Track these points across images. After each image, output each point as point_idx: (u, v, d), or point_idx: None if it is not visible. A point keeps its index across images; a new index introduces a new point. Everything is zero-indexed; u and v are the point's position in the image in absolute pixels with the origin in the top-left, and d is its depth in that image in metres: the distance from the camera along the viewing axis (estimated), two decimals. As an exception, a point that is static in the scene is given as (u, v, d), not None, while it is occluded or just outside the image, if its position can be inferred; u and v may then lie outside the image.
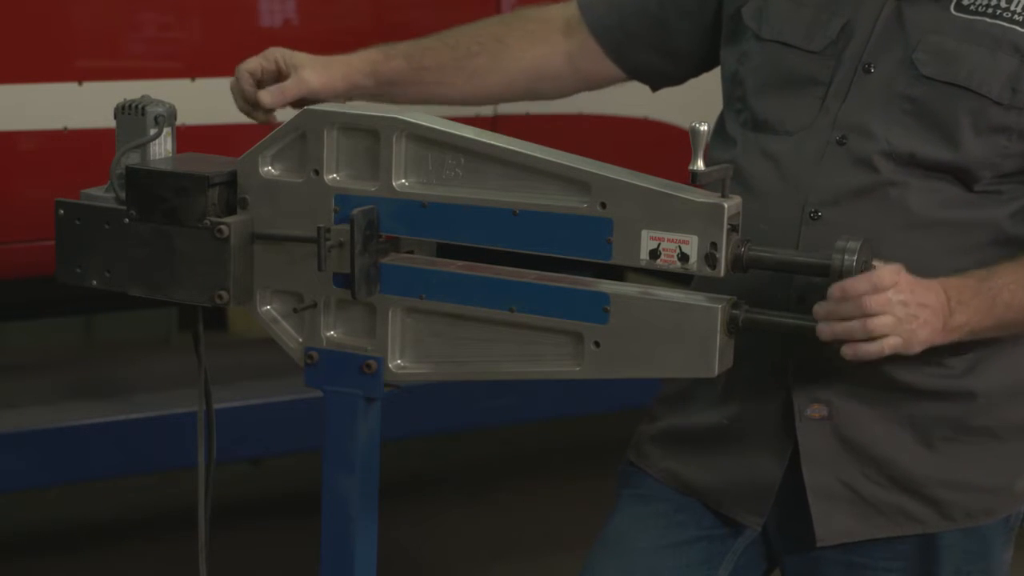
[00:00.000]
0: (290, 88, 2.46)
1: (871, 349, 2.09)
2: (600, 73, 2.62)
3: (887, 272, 2.09)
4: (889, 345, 2.10)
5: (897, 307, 2.09)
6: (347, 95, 2.53)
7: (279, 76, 2.49)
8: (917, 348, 2.13)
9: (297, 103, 2.47)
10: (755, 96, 2.37)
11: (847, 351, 2.09)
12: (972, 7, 2.26)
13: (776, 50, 2.35)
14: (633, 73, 2.61)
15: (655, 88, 2.66)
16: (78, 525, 4.89)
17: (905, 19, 2.28)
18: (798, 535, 2.39)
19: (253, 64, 2.49)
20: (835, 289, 2.08)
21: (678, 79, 2.63)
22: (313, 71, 2.47)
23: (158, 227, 2.24)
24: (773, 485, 2.38)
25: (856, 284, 2.07)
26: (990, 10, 2.25)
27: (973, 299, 2.17)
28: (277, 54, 2.49)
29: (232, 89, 2.51)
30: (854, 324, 2.08)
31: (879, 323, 2.08)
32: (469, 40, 2.58)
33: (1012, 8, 2.25)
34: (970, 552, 2.38)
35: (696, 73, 2.61)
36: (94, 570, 4.54)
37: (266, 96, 2.46)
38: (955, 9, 2.26)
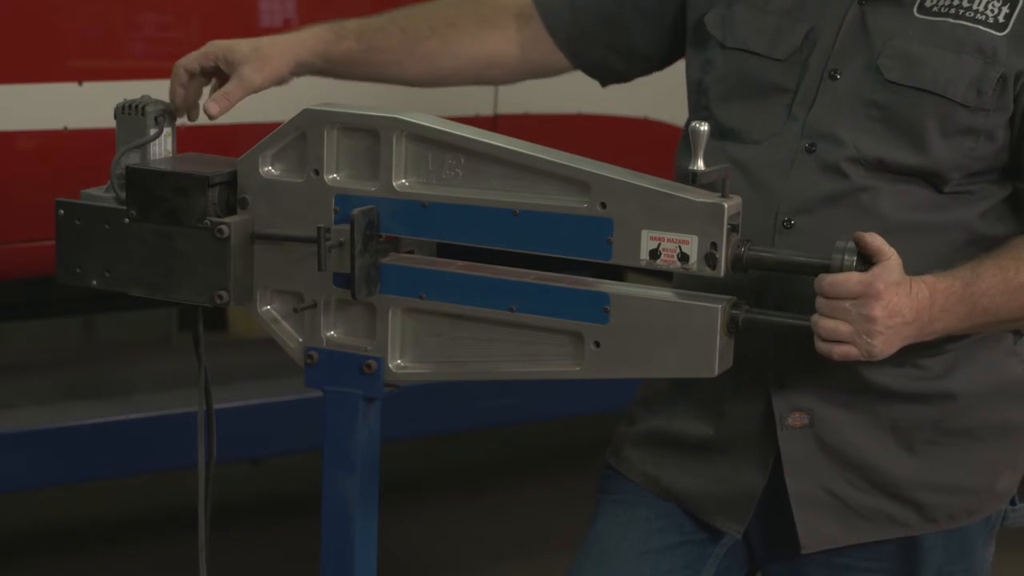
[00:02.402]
0: (233, 92, 2.38)
1: (820, 347, 2.09)
2: (550, 64, 2.60)
3: (855, 282, 2.06)
4: (839, 351, 2.08)
5: (857, 319, 2.06)
6: (295, 76, 2.49)
7: (219, 73, 2.42)
8: (882, 356, 2.11)
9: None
10: (720, 105, 2.36)
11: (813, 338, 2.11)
12: (935, 8, 2.24)
13: (740, 58, 2.34)
14: (584, 68, 2.60)
15: (604, 84, 2.64)
16: (78, 525, 4.89)
17: (869, 24, 2.26)
18: (780, 540, 2.38)
19: (191, 61, 2.40)
20: (821, 282, 2.08)
21: (629, 77, 2.62)
22: (254, 68, 2.39)
23: (158, 227, 2.24)
24: (755, 493, 2.37)
25: (832, 282, 2.06)
26: (952, 10, 2.24)
27: (956, 305, 2.16)
28: (216, 50, 2.40)
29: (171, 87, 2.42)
30: (814, 318, 2.09)
31: (831, 327, 2.07)
32: (420, 23, 2.54)
33: (975, 7, 2.23)
34: (952, 552, 2.38)
35: (648, 72, 2.60)
36: (94, 570, 4.54)
37: (213, 106, 2.37)
38: (918, 11, 2.25)
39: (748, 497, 2.37)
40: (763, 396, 2.32)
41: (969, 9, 2.23)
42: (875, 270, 2.07)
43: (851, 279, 2.06)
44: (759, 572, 2.52)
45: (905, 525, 2.35)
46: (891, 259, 2.08)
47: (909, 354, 2.20)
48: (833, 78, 2.27)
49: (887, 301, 2.07)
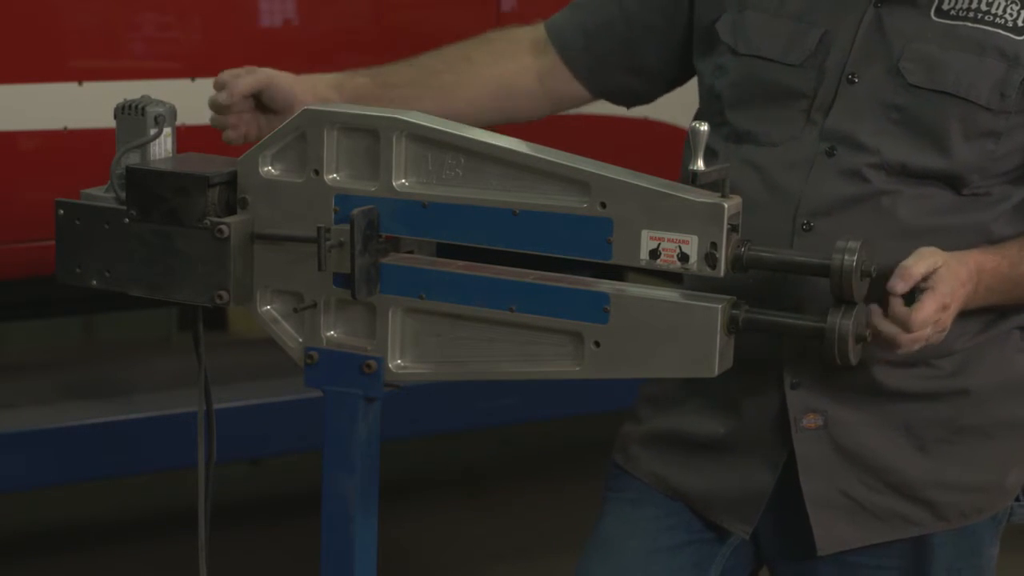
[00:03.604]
0: (246, 79, 2.38)
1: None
2: (571, 94, 2.58)
3: (934, 310, 2.11)
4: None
5: (932, 335, 2.15)
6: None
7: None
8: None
9: (260, 107, 2.42)
10: (734, 110, 2.36)
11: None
12: (953, 12, 2.25)
13: (754, 64, 2.33)
14: (604, 95, 2.59)
15: (629, 106, 2.63)
16: (78, 525, 4.89)
17: (886, 27, 2.26)
18: (791, 539, 2.39)
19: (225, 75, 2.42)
20: (907, 320, 2.11)
21: (651, 97, 2.60)
22: (274, 70, 2.41)
23: (158, 227, 2.24)
24: (764, 494, 2.38)
25: (916, 320, 2.10)
26: (971, 14, 2.24)
27: (1000, 284, 2.21)
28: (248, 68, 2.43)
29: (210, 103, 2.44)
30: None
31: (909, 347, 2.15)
32: (435, 60, 2.54)
33: (993, 11, 2.24)
34: (962, 549, 2.39)
35: (668, 89, 2.59)
36: (94, 570, 4.54)
37: (222, 95, 2.38)
38: (935, 15, 2.25)
39: (757, 498, 2.38)
40: (777, 397, 2.33)
41: (988, 13, 2.24)
42: (939, 288, 2.11)
43: (928, 310, 2.10)
44: (765, 570, 2.52)
45: (918, 524, 2.36)
46: (937, 270, 2.12)
47: (921, 354, 2.23)
48: (851, 82, 2.27)
49: (955, 307, 2.14)
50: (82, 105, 3.46)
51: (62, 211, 2.29)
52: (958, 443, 2.35)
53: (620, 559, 2.44)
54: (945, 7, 2.25)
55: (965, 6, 2.25)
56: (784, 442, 2.34)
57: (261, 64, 2.49)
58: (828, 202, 2.26)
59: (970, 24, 2.24)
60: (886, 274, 2.13)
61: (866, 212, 2.24)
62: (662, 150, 3.96)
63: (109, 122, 2.31)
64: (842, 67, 2.28)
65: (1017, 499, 2.46)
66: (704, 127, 2.07)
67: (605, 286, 2.13)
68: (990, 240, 2.28)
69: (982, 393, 2.34)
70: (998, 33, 2.23)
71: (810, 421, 2.32)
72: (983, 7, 2.24)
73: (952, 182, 2.26)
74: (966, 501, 2.37)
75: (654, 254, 2.08)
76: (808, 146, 2.29)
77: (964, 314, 2.22)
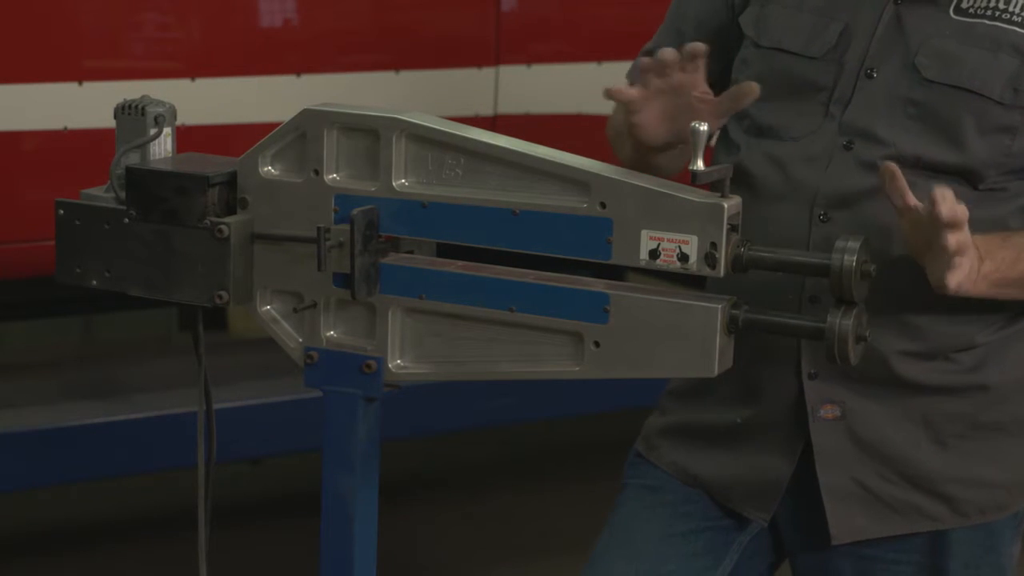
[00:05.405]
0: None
1: (953, 277, 2.09)
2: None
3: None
4: (960, 265, 2.10)
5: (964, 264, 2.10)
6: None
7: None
8: (972, 281, 2.14)
9: None
10: (755, 104, 2.36)
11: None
12: (971, 10, 2.28)
13: (775, 57, 2.36)
14: None
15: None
16: (78, 525, 4.89)
17: (905, 24, 2.29)
18: (809, 529, 2.40)
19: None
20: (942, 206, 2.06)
21: None
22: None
23: (158, 227, 2.24)
24: (781, 483, 2.39)
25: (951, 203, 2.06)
26: (989, 12, 2.27)
27: (999, 251, 2.20)
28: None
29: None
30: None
31: (961, 239, 2.08)
32: None
33: (1011, 9, 2.27)
34: (980, 546, 2.40)
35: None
36: (94, 570, 4.54)
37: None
38: (954, 12, 2.28)
39: (775, 487, 2.39)
40: (795, 387, 2.34)
41: (1005, 11, 2.27)
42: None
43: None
44: (787, 560, 2.53)
45: (935, 519, 2.37)
46: None
47: (941, 347, 2.25)
48: (869, 76, 2.30)
49: (973, 255, 2.12)
50: (82, 105, 3.46)
51: (62, 211, 2.29)
52: (977, 439, 2.36)
53: (636, 543, 2.46)
54: (964, 5, 2.28)
55: (984, 4, 2.28)
56: (801, 431, 2.36)
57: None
58: (845, 194, 2.28)
59: (987, 22, 2.27)
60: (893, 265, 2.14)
61: (882, 204, 2.25)
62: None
63: (109, 122, 2.31)
64: (861, 62, 2.31)
65: None
66: (704, 127, 2.08)
67: (605, 286, 2.13)
68: None
69: (1002, 390, 2.35)
70: (1014, 31, 2.26)
71: (827, 412, 2.33)
72: (1001, 5, 2.27)
73: (968, 177, 2.28)
74: (985, 497, 2.38)
75: (654, 254, 2.08)
76: (827, 140, 2.31)
77: (987, 307, 2.24)
